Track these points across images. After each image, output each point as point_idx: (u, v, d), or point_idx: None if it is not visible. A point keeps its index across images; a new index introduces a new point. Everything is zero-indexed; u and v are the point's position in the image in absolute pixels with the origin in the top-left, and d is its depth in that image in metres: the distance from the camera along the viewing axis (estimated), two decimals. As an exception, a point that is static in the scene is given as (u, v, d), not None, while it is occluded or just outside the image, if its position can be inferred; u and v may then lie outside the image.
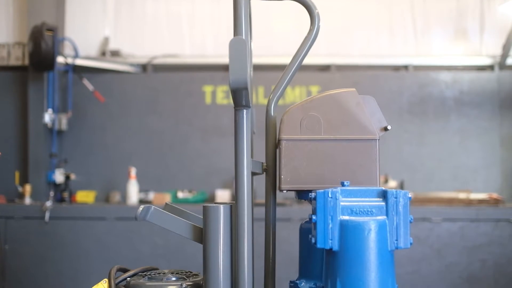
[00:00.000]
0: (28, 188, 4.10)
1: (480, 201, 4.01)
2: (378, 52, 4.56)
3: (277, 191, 1.46)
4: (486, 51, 4.52)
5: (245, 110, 1.17)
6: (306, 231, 1.37)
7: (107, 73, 4.51)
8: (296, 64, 1.30)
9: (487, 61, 4.48)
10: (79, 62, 4.39)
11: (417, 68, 4.55)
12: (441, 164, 4.48)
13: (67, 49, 4.44)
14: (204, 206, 1.20)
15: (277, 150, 1.30)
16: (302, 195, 1.30)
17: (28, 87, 4.37)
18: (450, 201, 4.04)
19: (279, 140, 1.27)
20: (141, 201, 4.18)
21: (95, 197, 4.32)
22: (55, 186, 4.26)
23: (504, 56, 4.36)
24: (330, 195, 1.06)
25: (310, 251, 1.35)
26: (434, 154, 4.49)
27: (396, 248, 1.07)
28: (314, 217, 1.06)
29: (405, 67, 4.53)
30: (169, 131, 4.48)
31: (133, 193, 4.11)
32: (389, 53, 4.53)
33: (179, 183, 4.39)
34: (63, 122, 4.34)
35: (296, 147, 1.25)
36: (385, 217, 1.06)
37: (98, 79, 4.46)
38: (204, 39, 4.57)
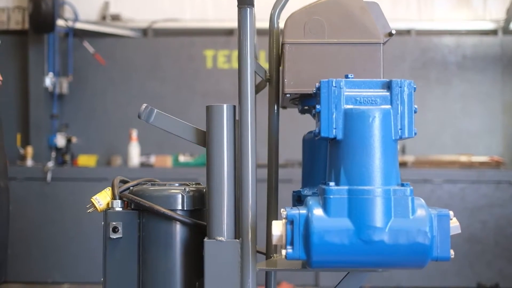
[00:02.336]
0: (29, 150, 4.10)
1: (482, 164, 4.01)
2: (380, 17, 4.52)
3: (281, 109, 1.45)
4: (490, 15, 4.48)
5: (249, 8, 1.16)
6: (309, 141, 1.37)
7: (107, 38, 4.48)
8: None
9: (490, 26, 4.44)
10: (79, 25, 4.36)
11: (420, 32, 4.52)
12: (443, 129, 4.47)
13: (67, 13, 4.41)
14: (207, 106, 1.20)
15: (281, 56, 1.29)
16: (306, 101, 1.30)
17: (28, 50, 4.34)
18: (452, 164, 4.04)
19: (282, 44, 1.26)
20: (143, 164, 4.18)
21: (97, 161, 4.32)
22: (57, 150, 4.26)
23: (508, 20, 4.31)
24: (334, 84, 1.05)
25: (313, 160, 1.35)
26: (436, 119, 4.47)
27: (401, 137, 1.06)
28: (318, 107, 1.06)
29: (408, 32, 4.50)
30: (170, 96, 4.47)
31: (135, 155, 4.10)
32: (392, 17, 4.46)
33: (180, 147, 4.38)
34: (64, 86, 4.33)
35: (300, 51, 1.24)
36: (389, 106, 1.05)
37: (98, 44, 4.43)
38: (205, 3, 4.53)
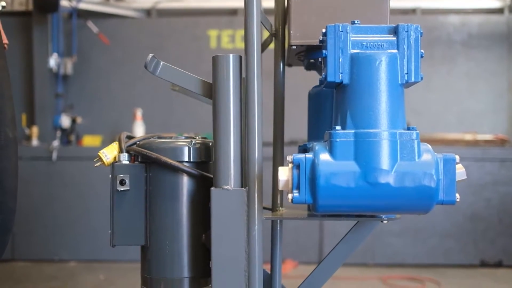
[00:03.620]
0: (35, 130, 4.12)
1: (487, 142, 4.00)
2: (385, -5, 4.49)
3: (286, 67, 1.45)
4: (496, -7, 4.45)
5: (254, -42, 1.16)
6: (315, 96, 1.37)
7: (111, 18, 4.48)
8: None
9: (496, 4, 4.41)
10: (83, 6, 4.36)
11: (425, 11, 4.49)
12: (448, 108, 4.46)
13: (71, -7, 4.41)
14: (213, 56, 1.20)
15: (287, 8, 1.29)
16: (312, 54, 1.30)
17: (33, 31, 4.35)
18: (456, 142, 4.04)
19: (288, -4, 1.26)
20: (147, 144, 4.19)
21: (102, 141, 4.34)
22: (62, 130, 4.28)
23: (514, -2, 4.28)
24: (340, 29, 1.05)
25: (318, 114, 1.35)
26: (440, 98, 4.46)
27: (407, 82, 1.06)
28: (324, 52, 1.06)
29: (413, 10, 4.47)
30: (174, 76, 4.46)
31: (139, 134, 4.11)
32: (397, -5, 4.46)
33: (185, 127, 4.39)
34: (68, 66, 4.34)
35: (306, 2, 1.24)
36: (396, 50, 1.05)
37: (102, 24, 4.43)
38: (209, -18, 4.52)
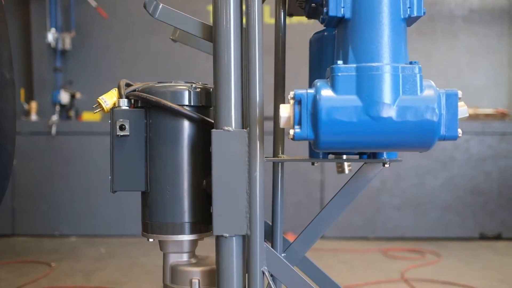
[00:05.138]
0: (34, 105, 4.11)
1: (487, 115, 4.00)
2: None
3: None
4: (498, -33, 4.41)
5: None
6: (316, 42, 1.36)
7: (109, -7, 4.44)
8: None
9: (498, -22, 4.37)
10: (81, -20, 4.32)
11: (426, -15, 4.45)
12: (449, 83, 4.44)
13: (69, -33, 4.36)
14: (213, -3, 1.18)
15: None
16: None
17: (30, 6, 4.32)
18: (457, 116, 4.03)
19: None
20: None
21: (101, 118, 4.33)
22: (61, 106, 4.27)
23: (516, -28, 4.24)
24: (342, -38, 1.03)
25: (320, 60, 1.34)
26: (441, 74, 4.44)
27: (410, 16, 1.04)
28: (326, -15, 1.04)
29: (414, -15, 4.42)
30: (174, 52, 4.44)
31: (139, 109, 4.10)
32: (398, -31, 4.42)
33: (185, 103, 4.38)
34: (67, 41, 4.31)
35: None
36: (398, -16, 1.04)
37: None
38: (208, -44, 4.46)
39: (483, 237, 3.87)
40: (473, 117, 3.98)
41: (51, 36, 4.21)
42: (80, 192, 3.97)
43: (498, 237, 3.86)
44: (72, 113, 4.23)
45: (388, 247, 3.66)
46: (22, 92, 4.26)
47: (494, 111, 4.03)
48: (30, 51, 4.31)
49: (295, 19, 4.55)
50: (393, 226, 3.91)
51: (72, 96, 4.24)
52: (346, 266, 3.18)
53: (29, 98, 4.28)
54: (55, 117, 3.92)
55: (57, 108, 4.13)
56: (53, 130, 3.89)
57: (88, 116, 4.25)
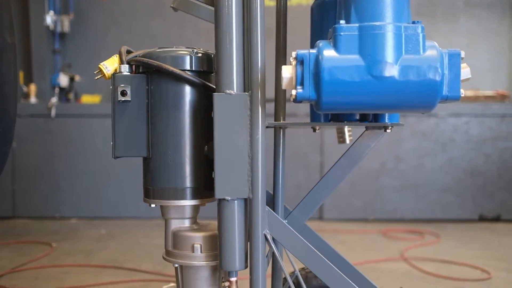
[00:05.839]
0: (33, 87, 4.10)
1: (487, 97, 4.00)
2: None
3: None
4: (499, -52, 4.38)
5: None
6: (317, 8, 1.35)
7: (108, -25, 4.41)
8: None
9: (499, -40, 4.34)
10: (79, -38, 4.28)
11: (427, -33, 4.42)
12: (449, 66, 4.43)
13: (67, -51, 4.32)
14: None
15: None
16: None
17: (28, -12, 4.28)
18: (457, 99, 4.02)
19: None
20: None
21: (100, 101, 4.32)
22: (60, 89, 4.26)
23: (518, -47, 4.21)
24: None
25: (321, 28, 1.33)
26: (441, 56, 4.43)
27: (412, -23, 1.04)
28: None
29: (415, -34, 4.40)
30: (173, 35, 4.42)
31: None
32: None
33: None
34: (65, 24, 4.29)
35: None
36: None
37: (99, -19, 4.36)
38: None
39: (482, 219, 3.89)
40: (473, 99, 3.98)
41: (49, 18, 4.19)
42: (80, 174, 3.97)
43: (497, 219, 3.88)
44: (71, 96, 4.22)
45: (387, 228, 3.67)
46: (21, 74, 4.24)
47: (494, 93, 4.03)
48: (29, 33, 4.29)
49: (295, 1, 4.51)
50: (392, 208, 3.92)
51: (71, 79, 4.23)
52: (345, 246, 3.20)
53: (28, 80, 4.26)
54: (54, 99, 3.91)
55: (56, 90, 4.12)
56: (53, 112, 3.88)
57: (87, 99, 4.25)
